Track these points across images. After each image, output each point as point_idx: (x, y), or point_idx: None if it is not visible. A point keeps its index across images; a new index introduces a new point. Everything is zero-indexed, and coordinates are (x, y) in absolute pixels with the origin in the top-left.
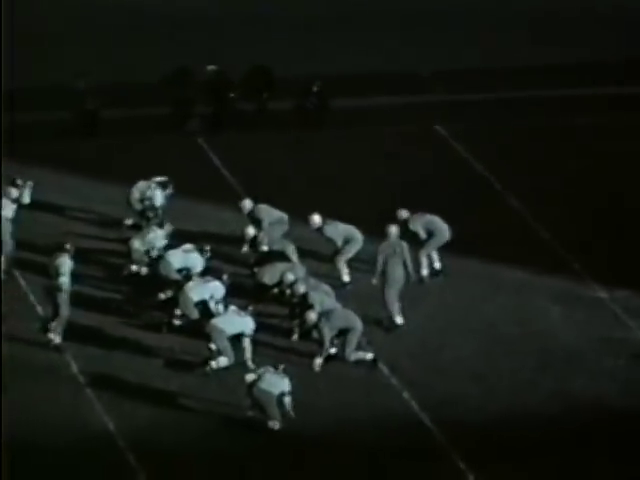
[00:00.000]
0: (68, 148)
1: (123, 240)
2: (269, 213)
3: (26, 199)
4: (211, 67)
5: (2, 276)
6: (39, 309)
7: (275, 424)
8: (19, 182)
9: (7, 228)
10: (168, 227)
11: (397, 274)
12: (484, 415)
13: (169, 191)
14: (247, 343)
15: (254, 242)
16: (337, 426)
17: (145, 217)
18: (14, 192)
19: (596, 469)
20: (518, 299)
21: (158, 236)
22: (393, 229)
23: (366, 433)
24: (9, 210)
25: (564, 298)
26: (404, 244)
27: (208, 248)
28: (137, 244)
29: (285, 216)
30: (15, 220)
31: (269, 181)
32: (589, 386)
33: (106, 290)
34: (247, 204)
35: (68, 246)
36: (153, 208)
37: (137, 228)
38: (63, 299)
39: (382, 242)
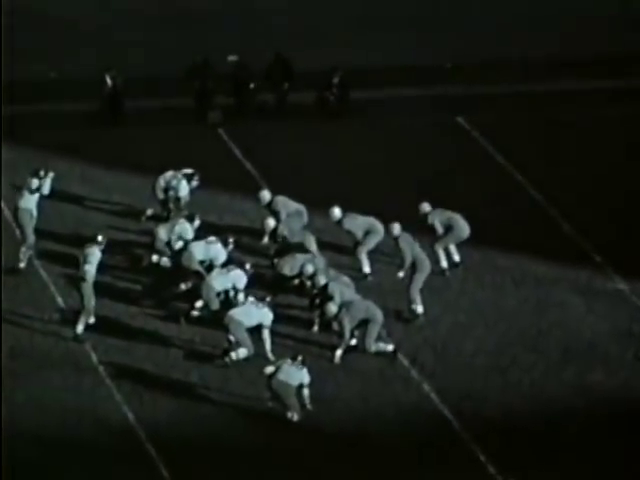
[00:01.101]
0: (91, 138)
1: (144, 231)
2: (286, 205)
3: (46, 190)
4: (232, 58)
5: (22, 266)
6: (59, 300)
7: (294, 415)
8: (41, 173)
9: (28, 219)
10: (197, 220)
11: (425, 265)
12: (504, 408)
13: (194, 183)
14: (266, 335)
15: (274, 234)
16: (356, 418)
17: (167, 207)
18: (35, 182)
19: (617, 461)
20: (539, 291)
21: (186, 228)
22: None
23: (386, 425)
24: (31, 201)
25: (585, 290)
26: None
27: (231, 240)
28: (162, 233)
29: (303, 208)
30: (37, 211)
31: (290, 172)
32: (610, 379)
33: (126, 281)
34: (265, 196)
35: (100, 238)
36: (176, 199)
37: (157, 219)
38: (87, 290)
39: (402, 236)
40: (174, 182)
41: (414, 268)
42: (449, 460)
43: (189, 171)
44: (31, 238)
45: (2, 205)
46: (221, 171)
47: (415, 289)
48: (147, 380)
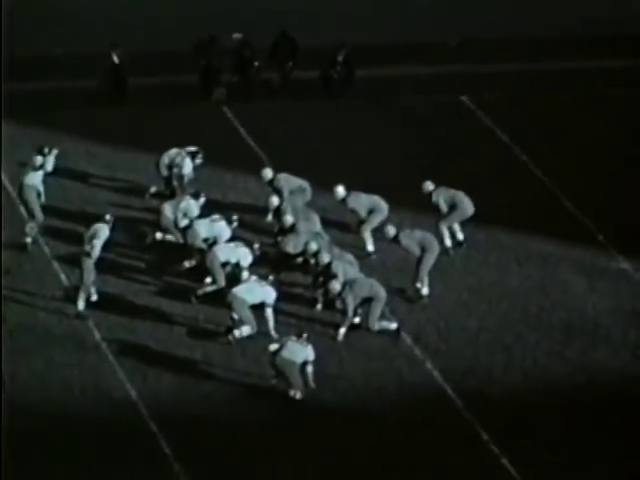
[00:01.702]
0: (96, 116)
1: (148, 208)
2: (289, 182)
3: (49, 167)
4: (236, 36)
5: (29, 241)
6: (63, 277)
7: (297, 393)
8: (45, 150)
9: (33, 196)
10: (202, 198)
11: (434, 245)
12: (507, 386)
13: (198, 161)
14: (269, 313)
15: (278, 211)
16: (359, 396)
17: (170, 185)
18: (39, 159)
19: (619, 441)
20: (542, 270)
21: (191, 206)
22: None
23: (389, 403)
24: (36, 178)
25: (588, 270)
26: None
27: (236, 217)
28: (168, 210)
29: (306, 184)
30: (42, 188)
31: (294, 150)
32: (613, 358)
33: (130, 258)
34: (267, 173)
35: (108, 217)
36: (180, 176)
37: (161, 196)
38: (88, 265)
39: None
40: (178, 159)
41: (423, 250)
42: (451, 438)
43: (193, 149)
44: (39, 215)
45: (3, 181)
46: (225, 149)
47: (424, 269)
48: (150, 357)
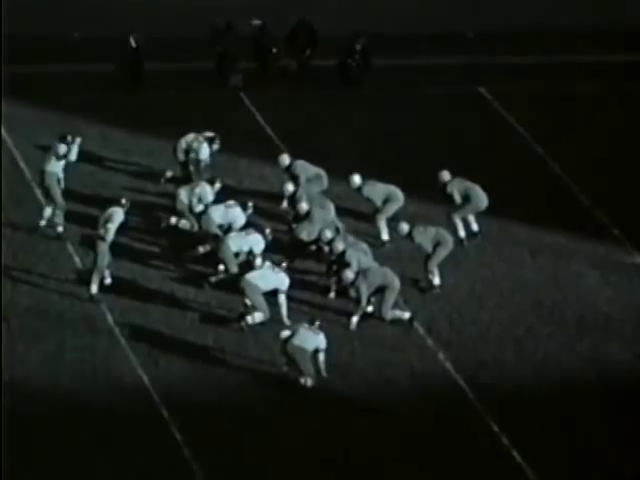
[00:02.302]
0: (112, 100)
1: (163, 193)
2: (306, 169)
3: (73, 156)
4: (255, 22)
5: (42, 225)
6: (77, 260)
7: (308, 381)
8: (69, 138)
9: (54, 183)
10: (218, 184)
11: (448, 241)
12: (519, 379)
13: (215, 146)
14: (282, 299)
15: (293, 198)
16: (371, 385)
17: (187, 170)
18: (63, 148)
19: (630, 434)
20: (556, 264)
21: (207, 191)
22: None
23: (400, 393)
24: (58, 165)
25: (602, 264)
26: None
27: (251, 204)
28: (183, 195)
29: (322, 172)
30: (62, 175)
31: (310, 138)
32: (625, 352)
33: (144, 242)
34: (284, 159)
35: (124, 201)
36: (197, 161)
37: (175, 181)
38: (102, 249)
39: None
40: (195, 145)
41: (437, 245)
42: (462, 430)
43: (210, 134)
44: (61, 201)
45: (19, 163)
46: (241, 135)
47: (434, 262)
48: (162, 342)
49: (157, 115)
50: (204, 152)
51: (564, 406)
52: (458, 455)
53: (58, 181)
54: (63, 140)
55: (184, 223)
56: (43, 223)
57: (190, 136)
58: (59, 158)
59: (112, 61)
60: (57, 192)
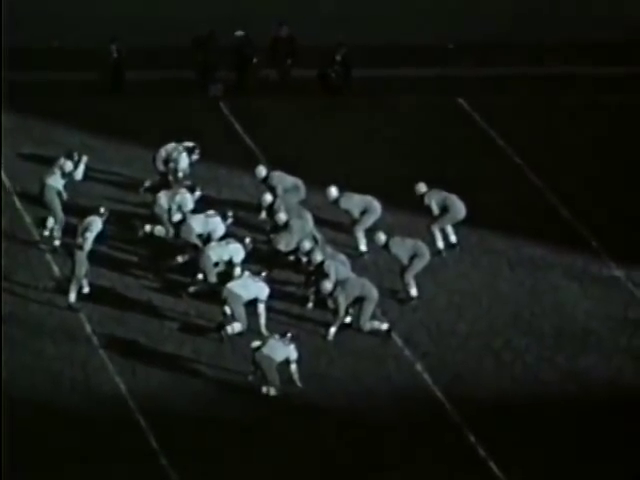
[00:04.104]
0: (91, 108)
1: (142, 203)
2: (283, 180)
3: (79, 175)
4: (239, 33)
5: (46, 235)
6: (55, 268)
7: (271, 390)
8: (75, 156)
9: (54, 196)
10: (198, 192)
11: (424, 253)
12: (496, 390)
13: (195, 157)
14: (261, 309)
15: (271, 209)
16: (348, 396)
17: (166, 179)
18: (68, 165)
19: (609, 447)
20: (535, 275)
21: (187, 199)
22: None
23: (377, 404)
24: (59, 181)
25: (581, 276)
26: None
27: (230, 214)
28: (163, 200)
29: (300, 182)
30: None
31: (290, 148)
32: (603, 364)
33: (123, 251)
34: (261, 171)
35: (102, 210)
36: (176, 171)
37: (155, 190)
38: (80, 258)
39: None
40: (174, 154)
41: (414, 257)
42: (439, 441)
43: (190, 144)
44: (60, 215)
45: (2, 174)
46: (221, 145)
47: (410, 274)
48: (140, 351)
49: (137, 124)
50: (183, 162)
51: (542, 418)
52: (435, 466)
53: (59, 194)
54: (69, 157)
55: (159, 229)
56: (46, 234)
57: (170, 146)
58: (64, 175)
59: (93, 70)
60: (57, 206)
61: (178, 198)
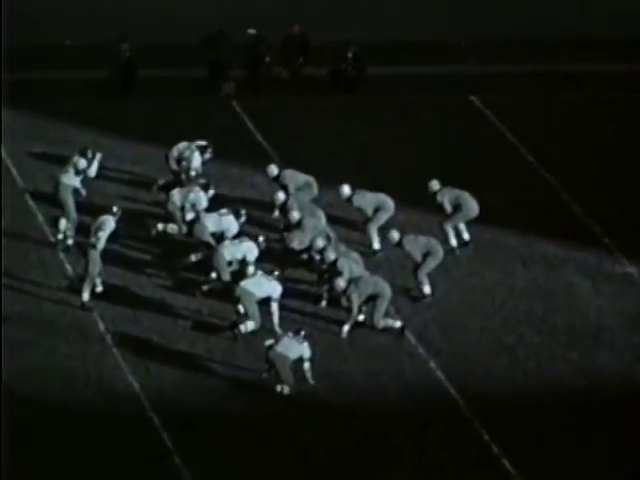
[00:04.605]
0: (103, 107)
1: (154, 201)
2: (295, 178)
3: (92, 172)
4: (251, 31)
5: (60, 238)
6: (68, 267)
7: (285, 388)
8: (89, 153)
9: (69, 195)
10: (212, 190)
11: (438, 251)
12: (510, 387)
13: (207, 156)
14: (274, 308)
15: (284, 207)
16: (362, 394)
17: (179, 178)
18: (82, 162)
19: (622, 444)
20: (547, 273)
21: (201, 197)
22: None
23: (391, 401)
24: (74, 179)
25: (593, 273)
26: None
27: (243, 212)
28: (176, 197)
29: (312, 180)
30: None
31: (302, 146)
32: (616, 362)
33: (136, 250)
34: (273, 170)
35: (115, 209)
36: (188, 170)
37: (167, 189)
38: (93, 257)
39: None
40: (187, 153)
41: (427, 254)
42: (453, 438)
43: (203, 143)
44: (73, 214)
45: (11, 170)
46: (233, 143)
47: (423, 272)
48: (154, 350)
49: (149, 122)
50: (196, 161)
51: (555, 415)
52: (448, 463)
53: (75, 192)
54: (83, 154)
55: (172, 227)
56: (61, 237)
57: (182, 144)
58: (78, 173)
59: (105, 68)
60: (71, 205)
61: (192, 196)
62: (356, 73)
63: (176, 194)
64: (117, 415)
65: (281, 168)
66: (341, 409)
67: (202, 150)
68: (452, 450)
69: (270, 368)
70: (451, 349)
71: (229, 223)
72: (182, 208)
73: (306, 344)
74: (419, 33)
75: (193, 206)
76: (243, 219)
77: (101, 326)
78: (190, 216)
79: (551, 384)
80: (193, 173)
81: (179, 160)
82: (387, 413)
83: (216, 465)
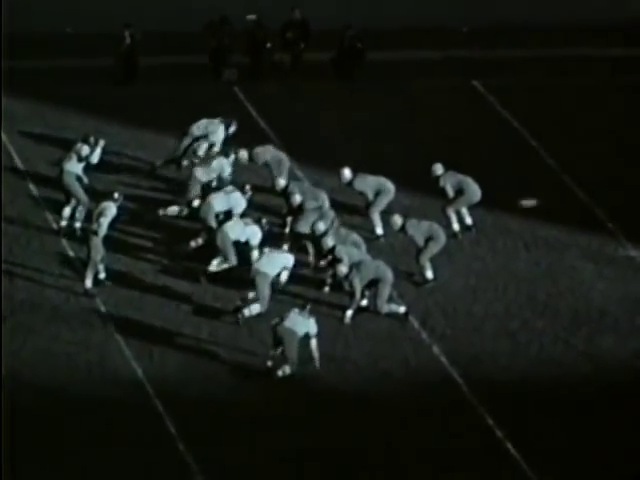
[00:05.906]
0: (106, 94)
1: (156, 187)
2: (267, 153)
3: (95, 159)
4: (251, 17)
5: (63, 225)
6: (71, 253)
7: (286, 369)
8: (91, 140)
9: (72, 181)
10: (233, 155)
11: (440, 236)
12: (513, 372)
13: (232, 129)
14: (285, 277)
15: (286, 192)
16: (365, 379)
17: (184, 154)
18: (85, 149)
19: (625, 428)
20: (551, 257)
21: (224, 165)
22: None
23: (394, 386)
24: (77, 166)
25: (597, 257)
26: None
27: (249, 187)
28: (200, 173)
29: (283, 155)
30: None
31: (304, 132)
32: (620, 345)
33: (138, 236)
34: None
35: (117, 195)
36: (211, 144)
37: (169, 165)
38: (96, 243)
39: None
40: (211, 127)
41: (429, 239)
42: (456, 423)
43: (226, 119)
44: (84, 198)
45: (13, 156)
46: (235, 129)
47: (425, 256)
48: (157, 336)
49: (151, 109)
50: (220, 134)
51: (558, 399)
52: (452, 448)
53: (79, 179)
54: (86, 141)
55: (172, 209)
56: (64, 224)
57: (203, 121)
58: (80, 159)
59: (107, 56)
60: (78, 190)
61: (215, 165)
62: (355, 60)
63: (199, 171)
64: (120, 401)
65: (284, 152)
66: (344, 394)
67: (227, 125)
68: (455, 435)
69: (277, 346)
70: (454, 334)
71: (237, 200)
72: (209, 183)
73: (312, 320)
74: (421, 18)
75: (219, 178)
76: (249, 194)
77: (104, 312)
78: (196, 203)
79: (554, 368)
80: (216, 149)
81: (197, 138)
82: (390, 398)
83: (220, 451)
